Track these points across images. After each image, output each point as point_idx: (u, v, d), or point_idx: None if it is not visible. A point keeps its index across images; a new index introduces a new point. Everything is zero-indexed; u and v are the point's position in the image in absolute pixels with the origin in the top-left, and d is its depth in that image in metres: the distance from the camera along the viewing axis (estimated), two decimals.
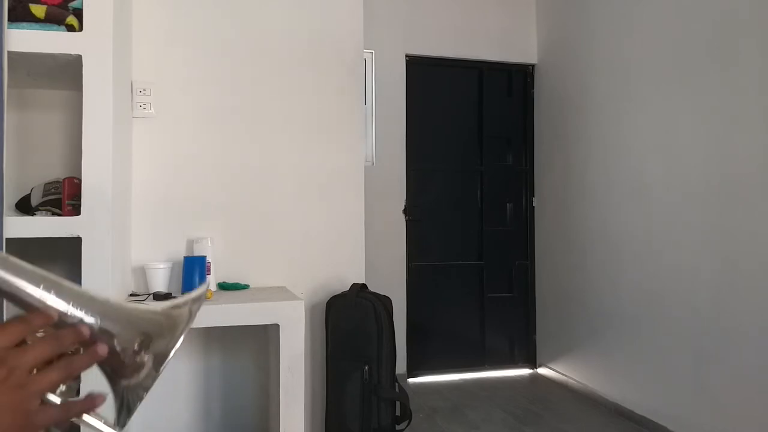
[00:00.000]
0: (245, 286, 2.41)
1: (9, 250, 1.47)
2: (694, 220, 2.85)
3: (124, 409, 0.52)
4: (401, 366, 3.95)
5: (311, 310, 2.58)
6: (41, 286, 0.52)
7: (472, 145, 4.36)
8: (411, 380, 4.01)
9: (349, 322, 2.45)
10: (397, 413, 2.48)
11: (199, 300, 0.55)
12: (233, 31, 2.54)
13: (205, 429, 2.42)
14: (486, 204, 4.35)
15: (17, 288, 0.51)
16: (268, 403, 2.42)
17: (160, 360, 0.51)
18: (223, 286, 2.38)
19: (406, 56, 4.15)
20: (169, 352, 0.51)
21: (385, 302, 2.52)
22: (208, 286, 0.55)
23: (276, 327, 2.08)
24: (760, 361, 2.48)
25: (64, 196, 2.02)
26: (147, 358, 0.51)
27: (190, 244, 2.38)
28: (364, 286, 2.57)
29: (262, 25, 2.57)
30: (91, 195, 1.85)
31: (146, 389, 0.51)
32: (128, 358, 0.52)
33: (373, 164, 4.01)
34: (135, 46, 2.37)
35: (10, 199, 2.09)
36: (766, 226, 2.47)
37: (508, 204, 4.42)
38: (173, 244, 2.40)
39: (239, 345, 2.49)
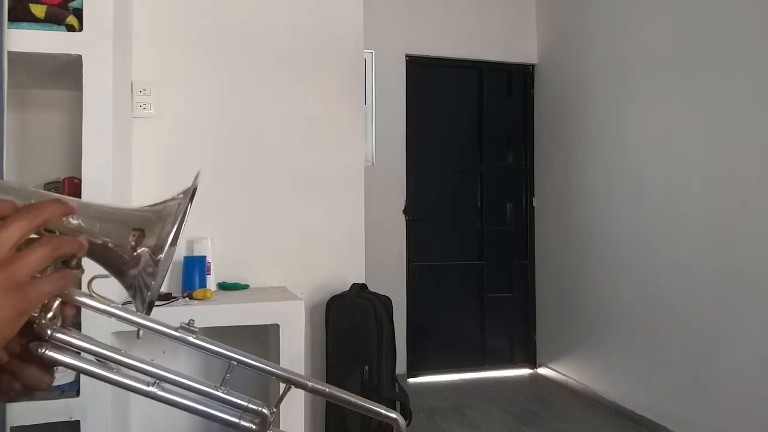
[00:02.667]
0: (245, 286, 2.41)
1: None
2: (694, 220, 2.85)
3: (138, 295, 0.54)
4: (401, 366, 3.95)
5: (311, 310, 2.58)
6: (32, 201, 0.52)
7: (472, 145, 4.36)
8: (411, 380, 4.02)
9: (349, 322, 2.45)
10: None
11: (187, 193, 0.57)
12: (233, 31, 2.54)
13: (205, 429, 2.42)
14: (486, 204, 4.35)
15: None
16: (268, 403, 2.42)
17: (156, 250, 0.53)
18: (223, 286, 2.38)
19: (406, 56, 4.15)
20: (165, 240, 0.53)
21: (385, 302, 2.52)
22: (198, 176, 0.57)
23: (276, 327, 2.08)
24: (760, 361, 2.48)
25: None
26: (144, 250, 0.54)
27: (190, 243, 2.38)
28: (364, 286, 2.57)
29: (262, 25, 2.57)
30: (91, 195, 1.85)
31: (151, 275, 0.53)
32: (127, 253, 0.54)
33: (373, 164, 4.01)
34: (135, 46, 2.37)
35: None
36: (766, 226, 2.47)
37: (508, 204, 4.42)
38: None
39: (239, 345, 2.46)
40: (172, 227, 0.54)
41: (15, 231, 0.46)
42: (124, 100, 2.17)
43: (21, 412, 1.73)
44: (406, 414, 2.47)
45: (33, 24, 1.82)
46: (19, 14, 1.80)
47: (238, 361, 0.63)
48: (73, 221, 0.53)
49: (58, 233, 0.52)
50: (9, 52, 1.73)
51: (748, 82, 2.57)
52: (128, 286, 0.55)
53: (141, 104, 2.36)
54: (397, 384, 2.49)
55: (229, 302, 2.08)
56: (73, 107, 2.18)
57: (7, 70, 1.71)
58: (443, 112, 4.30)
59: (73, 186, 1.99)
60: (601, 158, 3.58)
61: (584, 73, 3.77)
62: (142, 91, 2.36)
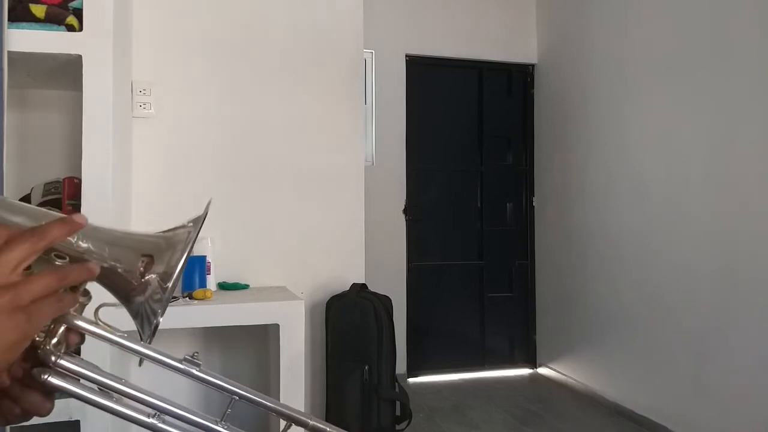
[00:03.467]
0: (245, 286, 2.41)
1: None
2: (694, 220, 2.85)
3: (146, 322, 0.54)
4: (401, 366, 3.95)
5: (311, 310, 2.58)
6: (43, 222, 0.51)
7: (472, 144, 4.36)
8: (411, 380, 4.02)
9: (349, 322, 2.45)
10: (397, 413, 2.48)
11: (197, 221, 0.57)
12: (233, 31, 2.54)
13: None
14: (486, 204, 4.35)
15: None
16: None
17: (166, 278, 0.53)
18: (223, 286, 2.38)
19: (406, 56, 4.15)
20: (174, 268, 0.53)
21: (385, 302, 2.53)
22: (209, 205, 0.57)
23: (276, 327, 2.08)
24: (760, 361, 2.48)
25: (64, 196, 2.02)
26: (153, 277, 0.53)
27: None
28: (364, 286, 2.57)
29: (262, 25, 2.57)
30: (91, 195, 1.85)
31: (159, 302, 0.53)
32: (135, 279, 0.54)
33: (373, 164, 4.01)
34: (135, 46, 2.37)
35: (10, 198, 2.09)
36: (766, 226, 2.47)
37: (508, 204, 4.42)
38: None
39: (239, 345, 2.49)
40: (182, 255, 0.53)
41: (18, 253, 0.46)
42: (124, 100, 2.17)
43: None
44: (406, 414, 2.47)
45: (33, 24, 1.82)
46: (19, 14, 1.80)
47: (240, 396, 0.63)
48: (83, 244, 0.53)
49: (68, 258, 0.51)
50: (9, 52, 1.73)
51: (749, 81, 2.57)
52: (134, 313, 0.54)
53: (141, 104, 2.36)
54: (397, 384, 2.49)
55: (229, 302, 2.08)
56: (73, 107, 2.18)
57: (8, 70, 1.71)
58: (443, 112, 4.30)
59: (73, 186, 1.99)
60: (601, 158, 3.58)
61: (584, 73, 3.77)
62: (142, 91, 2.36)
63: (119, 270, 0.54)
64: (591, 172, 3.67)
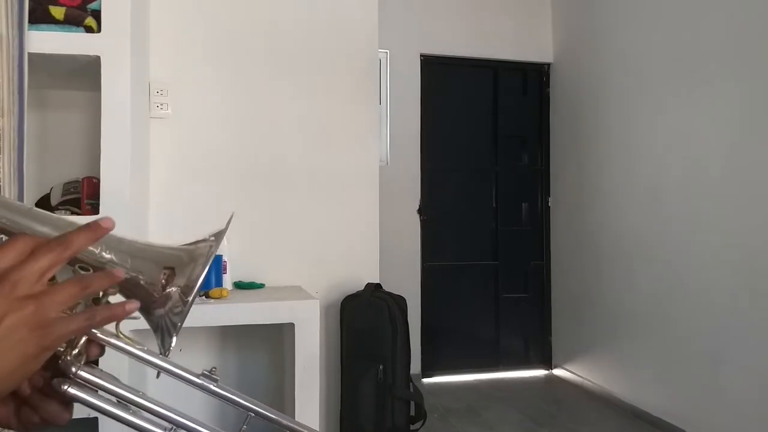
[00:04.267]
0: (261, 285, 2.42)
1: None
2: (710, 222, 2.81)
3: (166, 335, 0.54)
4: (415, 366, 3.94)
5: (326, 310, 2.58)
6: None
7: (487, 144, 4.35)
8: (425, 380, 4.01)
9: (363, 322, 2.45)
10: (412, 413, 2.48)
11: (219, 236, 0.57)
12: (249, 31, 2.55)
13: (220, 426, 2.43)
14: (501, 204, 4.33)
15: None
16: (282, 401, 2.43)
17: (187, 291, 0.53)
18: (239, 285, 2.39)
19: (421, 56, 4.14)
20: (195, 282, 0.53)
21: (400, 302, 2.52)
22: (231, 219, 0.57)
23: (291, 326, 2.09)
24: None
25: (83, 196, 2.04)
26: (174, 290, 0.54)
27: None
28: (378, 286, 2.57)
29: (278, 25, 2.58)
30: (110, 194, 1.87)
31: (179, 315, 0.53)
32: (157, 291, 0.54)
33: (387, 164, 4.01)
34: (152, 47, 2.39)
35: (30, 197, 2.12)
36: None
37: (523, 204, 4.40)
38: None
39: (254, 343, 2.51)
40: (203, 269, 0.54)
41: (43, 263, 0.46)
42: (141, 100, 2.19)
43: None
44: (421, 414, 2.47)
45: (52, 26, 1.84)
46: (39, 16, 1.82)
47: (256, 413, 0.63)
48: (106, 255, 0.53)
49: (91, 270, 0.52)
50: (29, 53, 1.75)
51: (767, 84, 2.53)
52: (155, 326, 0.55)
53: (158, 104, 2.38)
54: (411, 384, 2.49)
55: (245, 301, 2.09)
56: (91, 108, 2.20)
57: (28, 71, 1.73)
58: (458, 112, 4.29)
59: (92, 185, 2.01)
60: (617, 158, 3.55)
61: (600, 73, 3.73)
62: (159, 92, 2.38)
63: (141, 282, 0.54)
64: (607, 172, 3.64)
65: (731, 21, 2.73)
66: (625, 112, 3.48)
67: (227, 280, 2.33)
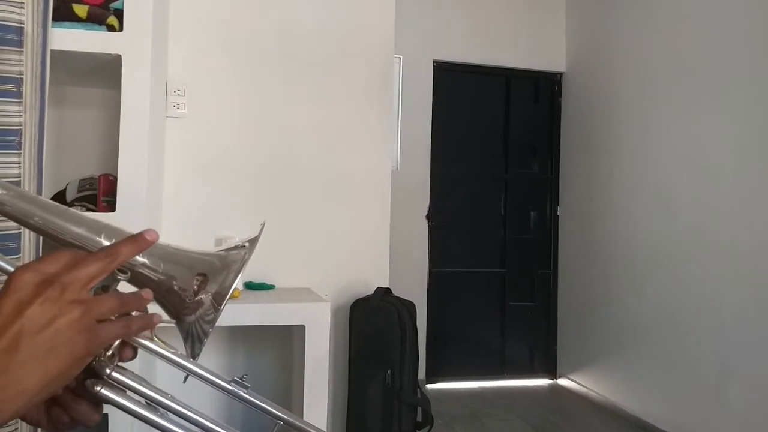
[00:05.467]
0: (271, 287, 2.43)
1: (45, 242, 1.50)
2: (719, 232, 2.81)
3: (196, 341, 0.54)
4: (420, 371, 3.94)
5: (335, 313, 2.59)
6: (102, 235, 0.53)
7: (497, 151, 4.35)
8: (429, 386, 4.01)
9: (372, 326, 2.46)
10: (419, 419, 2.48)
11: (253, 242, 0.57)
12: (266, 34, 2.56)
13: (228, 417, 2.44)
14: (510, 211, 4.33)
15: (80, 237, 0.53)
16: (290, 403, 2.44)
17: (219, 298, 0.53)
18: (250, 286, 2.40)
19: (434, 62, 4.16)
20: (227, 290, 0.53)
21: (409, 307, 2.53)
22: (263, 227, 0.57)
23: (301, 328, 2.09)
24: None
25: (99, 193, 2.05)
26: (206, 297, 0.54)
27: (219, 242, 2.40)
28: (388, 291, 2.57)
29: (294, 29, 2.60)
30: (126, 192, 1.88)
31: (210, 323, 0.53)
32: (189, 297, 0.54)
33: (397, 169, 4.02)
34: (170, 47, 2.40)
35: (46, 193, 2.13)
36: None
37: (532, 212, 4.40)
38: (202, 243, 2.43)
39: (263, 345, 2.51)
40: (236, 277, 0.54)
41: (92, 269, 0.48)
42: (159, 99, 2.21)
43: None
44: (428, 420, 2.46)
45: (75, 24, 1.86)
46: (63, 14, 1.84)
47: (285, 422, 0.63)
48: (140, 259, 0.54)
49: (129, 273, 0.53)
50: (51, 50, 1.77)
51: None
52: (185, 333, 0.55)
53: (175, 104, 2.40)
54: (419, 389, 2.49)
55: (256, 302, 2.10)
56: (109, 105, 2.22)
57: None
58: (469, 118, 4.30)
59: (108, 182, 2.03)
60: (627, 169, 3.55)
61: (612, 83, 3.74)
62: (177, 92, 2.39)
63: (175, 287, 0.54)
64: (617, 182, 3.64)
65: (743, 31, 2.73)
66: (636, 123, 3.48)
67: (238, 280, 2.33)
